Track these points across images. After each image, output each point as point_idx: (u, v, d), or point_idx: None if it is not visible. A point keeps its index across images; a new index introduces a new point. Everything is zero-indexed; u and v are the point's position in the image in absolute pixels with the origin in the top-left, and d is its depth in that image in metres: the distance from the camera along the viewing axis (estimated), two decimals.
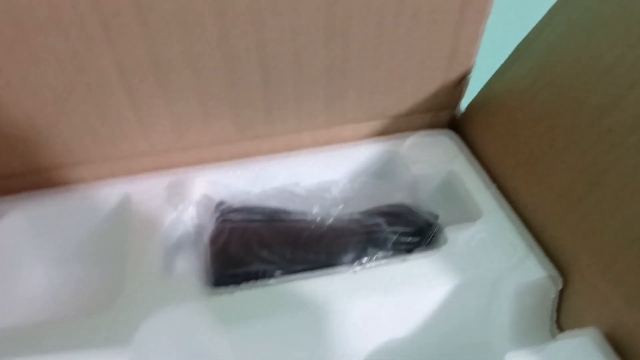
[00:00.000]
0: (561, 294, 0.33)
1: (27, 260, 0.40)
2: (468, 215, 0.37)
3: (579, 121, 0.34)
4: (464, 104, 0.45)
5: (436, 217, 0.37)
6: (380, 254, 0.35)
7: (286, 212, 0.38)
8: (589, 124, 0.33)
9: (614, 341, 0.28)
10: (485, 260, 0.32)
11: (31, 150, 0.39)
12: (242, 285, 0.32)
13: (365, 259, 0.34)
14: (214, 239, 0.36)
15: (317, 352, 0.33)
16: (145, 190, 0.39)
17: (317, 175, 0.42)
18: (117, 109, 0.37)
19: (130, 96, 0.37)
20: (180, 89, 0.37)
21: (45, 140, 0.38)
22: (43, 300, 0.38)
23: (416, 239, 0.36)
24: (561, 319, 0.33)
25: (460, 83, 0.43)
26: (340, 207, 0.39)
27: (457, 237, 0.34)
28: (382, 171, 0.43)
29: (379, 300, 0.31)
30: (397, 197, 0.39)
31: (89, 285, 0.40)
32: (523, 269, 0.32)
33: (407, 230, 0.36)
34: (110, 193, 0.40)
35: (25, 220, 0.40)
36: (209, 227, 0.37)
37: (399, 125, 0.44)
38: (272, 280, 0.32)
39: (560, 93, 0.36)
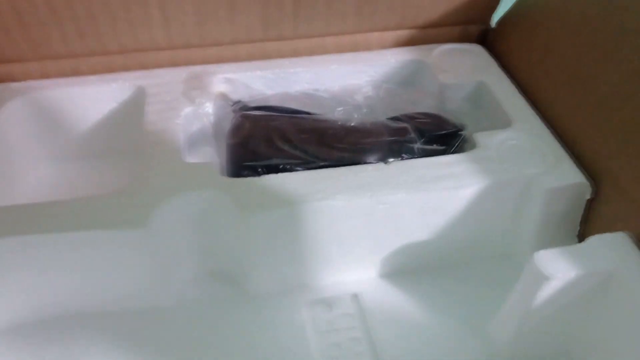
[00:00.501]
0: (590, 204, 0.32)
1: (31, 155, 0.39)
2: (498, 124, 0.36)
3: (620, 28, 0.32)
4: (497, 19, 0.43)
5: (463, 126, 0.36)
6: (405, 157, 0.33)
7: (308, 114, 0.37)
8: (631, 30, 0.31)
9: None
10: (516, 165, 0.31)
11: (43, 33, 0.37)
12: (264, 176, 0.31)
13: (390, 160, 0.32)
14: (234, 132, 0.34)
15: (335, 245, 0.32)
16: (161, 84, 0.38)
17: (341, 80, 0.40)
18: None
19: None
20: None
21: (59, 22, 0.36)
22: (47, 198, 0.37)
23: (442, 147, 0.35)
24: (588, 228, 0.32)
25: None
26: (364, 111, 0.37)
27: (487, 142, 0.33)
28: (408, 80, 0.41)
29: (405, 198, 0.30)
30: (423, 105, 0.38)
31: (100, 183, 0.39)
32: (554, 175, 0.31)
33: (433, 136, 0.35)
34: (123, 85, 0.38)
35: (29, 110, 0.38)
36: (227, 123, 0.36)
37: (426, 37, 0.43)
38: (296, 173, 0.31)
39: (600, 2, 0.34)
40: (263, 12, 0.38)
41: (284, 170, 0.32)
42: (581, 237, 0.33)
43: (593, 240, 0.27)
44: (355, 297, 0.33)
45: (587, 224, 0.32)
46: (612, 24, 0.33)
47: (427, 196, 0.30)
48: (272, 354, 0.30)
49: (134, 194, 0.30)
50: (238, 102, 0.38)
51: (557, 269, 0.26)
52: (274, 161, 0.32)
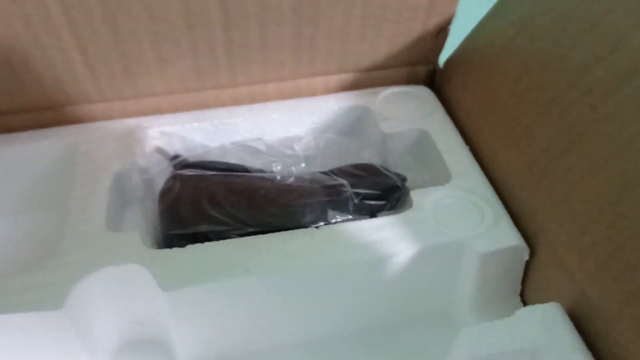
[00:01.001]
0: (528, 265, 0.31)
1: None
2: (439, 177, 0.35)
3: (559, 80, 0.31)
4: (444, 59, 0.42)
5: (404, 179, 0.35)
6: (340, 217, 0.32)
7: (244, 169, 0.35)
8: (569, 84, 0.30)
9: (576, 317, 0.26)
10: (451, 227, 0.30)
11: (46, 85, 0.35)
12: (189, 247, 0.29)
13: (323, 223, 0.31)
14: (163, 196, 0.33)
15: (264, 317, 0.31)
16: (93, 140, 0.36)
17: (282, 129, 0.39)
18: (61, 50, 0.34)
19: (75, 36, 0.34)
20: (131, 29, 0.34)
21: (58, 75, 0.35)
22: None
23: (381, 202, 0.34)
24: (526, 291, 0.32)
25: (439, 35, 0.40)
26: (303, 165, 0.36)
27: (423, 201, 0.32)
28: (352, 127, 0.40)
29: (334, 267, 0.29)
30: (364, 156, 0.37)
31: (25, 242, 0.37)
32: (489, 237, 0.30)
33: (371, 192, 0.33)
34: (55, 142, 0.37)
35: None
36: (160, 182, 0.35)
37: (372, 80, 0.42)
38: (221, 242, 0.30)
39: (541, 49, 0.33)
40: (194, 63, 0.37)
41: (214, 237, 0.31)
42: (523, 297, 0.32)
43: (522, 313, 0.26)
44: None
45: (526, 284, 0.31)
46: (551, 73, 0.32)
47: (357, 265, 0.29)
48: None
49: (50, 269, 0.29)
50: (175, 156, 0.37)
51: (483, 345, 0.25)
52: (202, 228, 0.31)
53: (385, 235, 0.30)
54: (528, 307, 0.27)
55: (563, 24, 0.32)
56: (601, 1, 0.30)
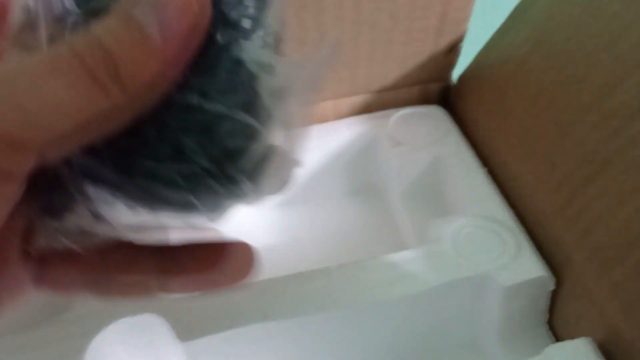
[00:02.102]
0: (554, 294, 0.30)
1: None
2: (456, 204, 0.34)
3: (577, 102, 0.30)
4: (457, 75, 0.41)
5: None
6: None
7: None
8: (588, 106, 0.29)
9: (608, 353, 0.25)
10: (472, 259, 0.29)
11: None
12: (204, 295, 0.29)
13: None
14: None
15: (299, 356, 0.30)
16: None
17: None
18: None
19: None
20: None
21: None
22: None
23: None
24: (554, 320, 0.30)
25: (451, 52, 0.39)
26: None
27: (442, 232, 0.31)
28: (364, 154, 0.39)
29: (355, 302, 0.28)
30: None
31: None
32: (513, 269, 0.29)
33: None
34: None
35: None
36: None
37: (384, 101, 0.41)
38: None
39: (558, 67, 0.32)
40: None
41: None
42: (551, 324, 0.31)
43: (553, 351, 0.25)
44: None
45: (553, 314, 0.30)
46: (570, 94, 0.31)
47: (377, 304, 0.28)
48: None
49: (66, 323, 0.28)
50: None
51: None
52: None
53: (404, 272, 0.29)
54: (558, 344, 0.26)
55: (580, 41, 0.31)
56: (620, 16, 0.29)
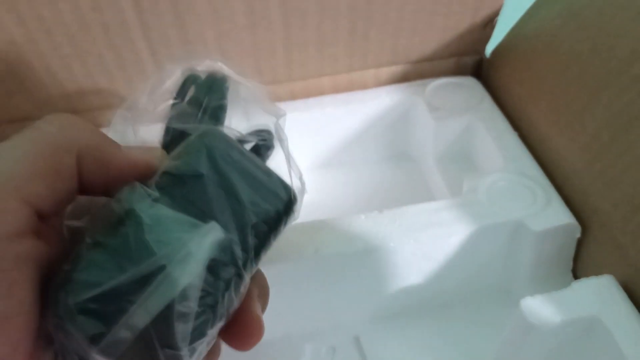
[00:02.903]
0: (580, 243, 0.32)
1: None
2: (490, 163, 0.37)
3: (608, 67, 0.32)
4: (490, 50, 0.44)
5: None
6: None
7: None
8: (618, 71, 0.32)
9: (630, 290, 0.28)
10: (505, 208, 0.32)
11: (44, 94, 0.38)
12: None
13: None
14: None
15: (333, 294, 0.33)
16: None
17: (336, 121, 0.41)
18: (134, 52, 0.37)
19: (147, 39, 0.36)
20: (198, 29, 0.37)
21: (60, 83, 0.38)
22: None
23: None
24: (578, 268, 0.33)
25: (487, 25, 0.41)
26: None
27: (477, 185, 0.34)
28: (402, 118, 0.42)
29: (396, 247, 0.31)
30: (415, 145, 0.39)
31: None
32: (543, 217, 0.31)
33: None
34: None
35: None
36: None
37: (421, 71, 0.43)
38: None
39: (589, 37, 0.34)
40: (255, 60, 0.39)
41: None
42: (575, 272, 0.33)
43: (578, 285, 0.28)
44: (356, 340, 0.34)
45: (579, 261, 0.33)
46: (600, 61, 0.33)
47: (416, 244, 0.31)
48: None
49: None
50: None
51: (543, 316, 0.27)
52: None
53: (442, 217, 0.32)
54: (583, 279, 0.28)
55: (610, 13, 0.33)
56: None
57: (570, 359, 0.29)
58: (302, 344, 0.34)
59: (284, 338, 0.34)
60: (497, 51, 0.43)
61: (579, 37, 0.35)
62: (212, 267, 0.19)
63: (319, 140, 0.43)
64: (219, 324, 0.20)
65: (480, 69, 0.44)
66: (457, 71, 0.44)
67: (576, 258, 0.33)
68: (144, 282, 0.17)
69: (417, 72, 0.43)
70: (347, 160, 0.45)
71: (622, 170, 0.30)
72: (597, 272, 0.30)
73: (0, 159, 0.17)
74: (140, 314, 0.17)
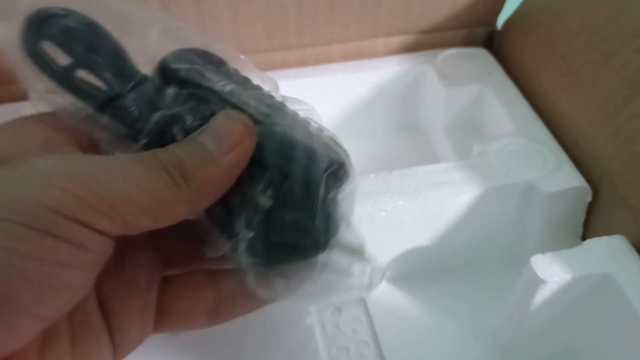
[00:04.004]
0: (590, 207, 0.32)
1: None
2: (501, 130, 0.36)
3: (620, 32, 0.32)
4: (501, 22, 0.43)
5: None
6: None
7: None
8: (631, 35, 0.32)
9: None
10: (515, 170, 0.32)
11: None
12: None
13: None
14: None
15: None
16: None
17: (345, 89, 0.41)
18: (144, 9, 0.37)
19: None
20: None
21: None
22: None
23: None
24: (588, 231, 0.33)
25: None
26: None
27: (487, 148, 0.33)
28: (413, 86, 0.42)
29: (404, 205, 0.31)
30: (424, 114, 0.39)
31: None
32: (553, 179, 0.31)
33: None
34: None
35: None
36: None
37: (431, 42, 0.43)
38: None
39: (603, 4, 0.34)
40: (266, 23, 0.39)
41: None
42: (584, 238, 0.33)
43: (590, 243, 0.28)
44: (362, 301, 0.34)
45: (589, 226, 0.33)
46: (613, 26, 0.33)
47: (425, 203, 0.31)
48: (281, 357, 0.32)
49: None
50: None
51: (553, 272, 0.26)
52: None
53: (452, 177, 0.32)
54: (595, 239, 0.28)
55: None
56: None
57: (581, 316, 0.28)
58: (307, 305, 0.34)
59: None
60: (508, 23, 0.43)
61: (592, 4, 0.35)
62: None
63: (328, 109, 0.43)
64: None
65: (492, 41, 0.44)
66: (468, 42, 0.44)
67: (586, 224, 0.33)
68: None
69: (427, 43, 0.43)
70: (355, 130, 0.44)
71: (634, 131, 0.30)
72: (608, 234, 0.30)
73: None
74: None
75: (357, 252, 0.24)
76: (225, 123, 0.19)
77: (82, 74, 0.20)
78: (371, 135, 0.45)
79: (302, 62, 0.42)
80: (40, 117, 0.20)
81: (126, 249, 0.21)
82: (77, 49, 0.20)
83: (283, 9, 0.38)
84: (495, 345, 0.31)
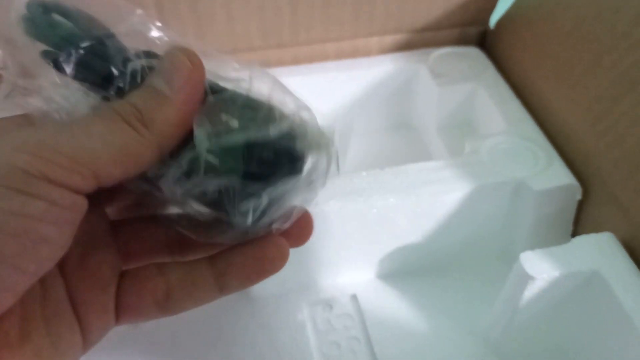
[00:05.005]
0: (580, 205, 0.32)
1: None
2: (493, 128, 0.37)
3: (611, 31, 0.33)
4: (494, 22, 0.44)
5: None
6: None
7: None
8: (623, 34, 0.32)
9: (630, 247, 0.28)
10: (506, 168, 0.32)
11: None
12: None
13: None
14: None
15: (332, 249, 0.33)
16: None
17: (339, 87, 0.41)
18: (140, 6, 0.37)
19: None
20: None
21: None
22: None
23: None
24: (579, 229, 0.33)
25: None
26: None
27: (479, 146, 0.34)
28: (406, 85, 0.42)
29: (396, 202, 0.31)
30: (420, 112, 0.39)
31: None
32: (544, 177, 0.31)
33: None
34: None
35: None
36: None
37: (425, 41, 0.43)
38: None
39: (594, 3, 0.34)
40: (260, 21, 0.39)
41: None
42: (574, 236, 0.33)
43: (578, 241, 0.28)
44: (354, 297, 0.34)
45: (579, 223, 0.33)
46: (604, 25, 0.33)
47: (417, 201, 0.31)
48: (273, 352, 0.32)
49: None
50: None
51: (542, 269, 0.27)
52: None
53: (444, 175, 0.32)
54: (583, 236, 0.28)
55: None
56: None
57: (570, 313, 0.29)
58: (299, 301, 0.34)
59: (281, 295, 0.34)
60: (501, 22, 0.43)
61: (583, 3, 0.35)
62: None
63: (321, 106, 0.43)
64: None
65: (484, 40, 0.44)
66: (461, 41, 0.44)
67: (576, 222, 0.33)
68: None
69: (421, 42, 0.43)
70: (348, 128, 0.45)
71: (624, 129, 0.30)
72: (598, 232, 0.30)
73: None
74: None
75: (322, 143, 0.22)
76: (170, 61, 0.20)
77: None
78: (364, 133, 0.45)
79: (297, 60, 0.42)
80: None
81: (91, 245, 0.22)
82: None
83: (277, 7, 0.38)
84: (485, 341, 0.32)
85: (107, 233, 0.23)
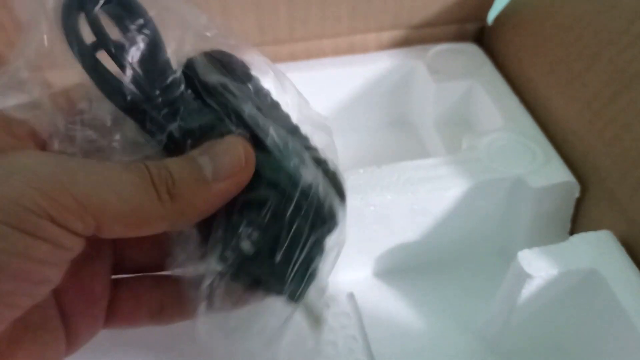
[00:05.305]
0: (578, 203, 0.32)
1: None
2: (490, 125, 0.36)
3: (609, 27, 0.32)
4: (492, 18, 0.43)
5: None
6: None
7: None
8: (620, 30, 0.32)
9: (628, 245, 0.28)
10: (504, 165, 0.32)
11: None
12: None
13: None
14: None
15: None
16: None
17: (336, 83, 0.41)
18: None
19: None
20: None
21: None
22: None
23: None
24: (576, 226, 0.33)
25: None
26: None
27: (476, 143, 0.33)
28: (403, 81, 0.42)
29: (393, 199, 0.31)
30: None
31: None
32: (542, 174, 0.31)
33: None
34: None
35: None
36: None
37: (422, 37, 0.43)
38: None
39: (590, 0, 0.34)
40: (257, 17, 0.39)
41: None
42: (572, 233, 0.33)
43: (576, 239, 0.28)
44: (351, 296, 0.34)
45: (577, 221, 0.33)
46: (601, 22, 0.33)
47: (414, 198, 0.31)
48: (269, 352, 0.32)
49: None
50: None
51: (540, 267, 0.26)
52: None
53: (441, 172, 0.32)
54: (582, 234, 0.28)
55: None
56: None
57: (568, 311, 0.28)
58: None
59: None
60: (499, 18, 0.43)
61: (579, 0, 0.35)
62: None
63: (318, 103, 0.43)
64: None
65: (482, 36, 0.44)
66: (459, 38, 0.44)
67: (574, 220, 0.33)
68: None
69: (418, 38, 0.43)
70: (345, 124, 0.44)
71: (622, 126, 0.30)
72: (596, 230, 0.30)
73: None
74: None
75: (316, 320, 0.24)
76: (227, 150, 0.19)
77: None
78: (361, 130, 0.45)
79: (293, 57, 0.42)
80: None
81: (86, 260, 0.21)
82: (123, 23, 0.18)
83: (274, 3, 0.38)
84: (483, 339, 0.31)
85: (102, 246, 0.22)
